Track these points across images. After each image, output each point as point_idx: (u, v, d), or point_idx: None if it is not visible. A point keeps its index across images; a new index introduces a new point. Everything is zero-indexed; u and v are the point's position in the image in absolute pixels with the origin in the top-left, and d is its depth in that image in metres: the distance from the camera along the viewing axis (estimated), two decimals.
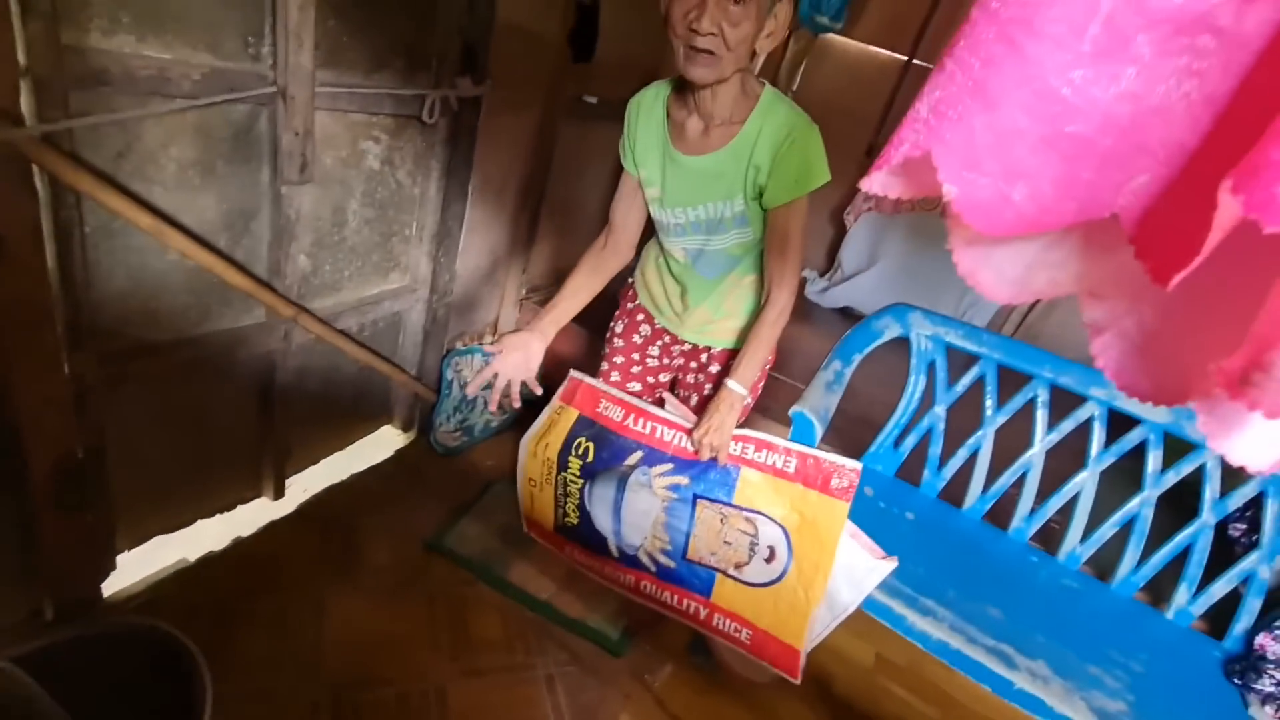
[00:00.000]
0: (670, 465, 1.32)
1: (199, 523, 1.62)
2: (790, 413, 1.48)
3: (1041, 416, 1.62)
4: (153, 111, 1.08)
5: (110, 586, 1.42)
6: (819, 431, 1.45)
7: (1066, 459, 1.62)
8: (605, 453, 1.35)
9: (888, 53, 3.51)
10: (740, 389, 1.21)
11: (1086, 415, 1.58)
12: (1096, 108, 0.29)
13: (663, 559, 1.37)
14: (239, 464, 1.66)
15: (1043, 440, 1.63)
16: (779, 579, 1.28)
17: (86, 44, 1.00)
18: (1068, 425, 1.60)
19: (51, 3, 0.93)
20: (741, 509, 1.28)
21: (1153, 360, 0.34)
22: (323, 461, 1.92)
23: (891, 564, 1.20)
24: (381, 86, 1.47)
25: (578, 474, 1.37)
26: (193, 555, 1.56)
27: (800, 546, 1.25)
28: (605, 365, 1.47)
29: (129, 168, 1.13)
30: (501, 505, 1.90)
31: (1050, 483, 1.63)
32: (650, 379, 1.46)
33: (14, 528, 1.20)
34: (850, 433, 1.98)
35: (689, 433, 1.28)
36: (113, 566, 1.43)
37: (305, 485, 1.85)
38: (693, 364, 1.42)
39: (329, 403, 1.82)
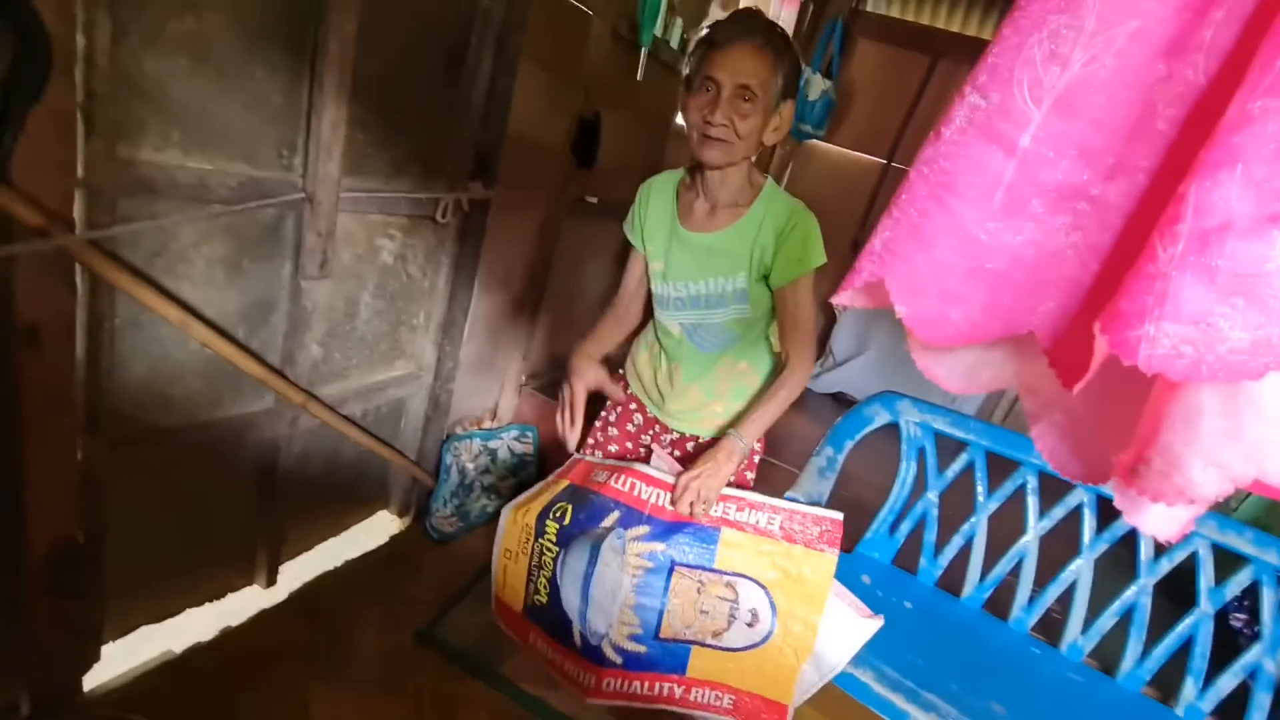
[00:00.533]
0: (646, 528, 1.25)
1: (188, 611, 1.59)
2: (784, 498, 1.51)
3: (1033, 503, 1.65)
4: (192, 217, 1.18)
5: (92, 679, 1.38)
6: None
7: (1062, 542, 1.64)
8: (582, 514, 1.30)
9: (868, 156, 3.79)
10: (742, 440, 1.20)
11: (1076, 502, 1.60)
12: (1008, 250, 0.36)
13: (631, 646, 1.28)
14: (234, 551, 1.66)
15: (1035, 527, 1.65)
16: (763, 641, 1.22)
17: (138, 158, 1.11)
18: (1059, 512, 1.62)
19: (111, 122, 1.04)
20: (722, 573, 1.23)
21: (1080, 446, 0.40)
22: (317, 548, 1.91)
23: (878, 622, 1.18)
24: (400, 191, 1.60)
25: (554, 540, 1.31)
26: (179, 646, 1.52)
27: (785, 605, 1.21)
28: (599, 454, 1.50)
29: (162, 265, 1.21)
30: None
31: (1047, 568, 1.63)
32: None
33: (3, 617, 1.19)
34: (846, 520, 1.99)
35: (671, 488, 1.24)
36: (96, 657, 1.40)
37: (297, 573, 1.83)
38: (677, 454, 1.43)
39: (328, 488, 1.83)
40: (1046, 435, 0.44)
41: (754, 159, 1.22)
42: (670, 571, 1.25)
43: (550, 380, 2.56)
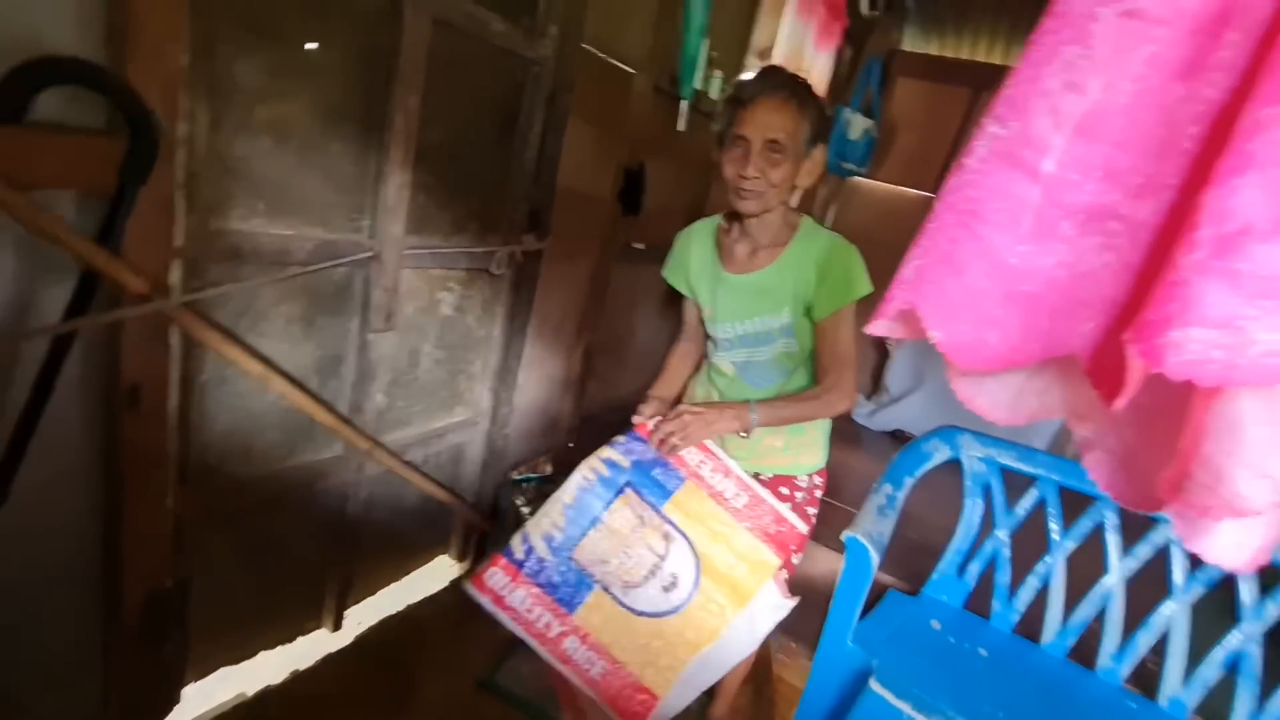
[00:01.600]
0: (624, 438, 1.22)
1: (261, 654, 1.65)
2: (843, 537, 1.47)
3: (1114, 542, 1.55)
4: (273, 278, 1.29)
5: None
6: (875, 558, 1.42)
7: (1151, 584, 1.52)
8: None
9: (914, 190, 3.76)
10: (755, 413, 1.19)
11: (1164, 539, 1.50)
12: (1040, 273, 0.36)
13: (540, 547, 1.18)
14: (304, 595, 1.72)
15: (1119, 568, 1.54)
16: (669, 613, 1.12)
17: (229, 228, 1.22)
18: (1144, 551, 1.51)
19: (206, 198, 1.16)
20: (666, 520, 1.15)
21: (1134, 472, 0.39)
22: (381, 593, 1.96)
23: (792, 602, 1.12)
24: (458, 246, 1.69)
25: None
26: (251, 689, 1.58)
27: (710, 586, 1.13)
28: None
29: (247, 323, 1.32)
30: None
31: (1136, 612, 1.51)
32: None
33: (96, 658, 1.27)
34: (910, 561, 1.91)
35: (663, 419, 1.20)
36: (177, 700, 1.46)
37: (362, 617, 1.87)
38: None
39: (391, 533, 1.89)
40: (1101, 464, 0.43)
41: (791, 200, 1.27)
42: (619, 491, 1.18)
43: (606, 423, 2.59)
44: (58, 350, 0.98)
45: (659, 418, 1.27)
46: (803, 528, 1.21)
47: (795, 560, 1.39)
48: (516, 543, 1.21)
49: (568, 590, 1.17)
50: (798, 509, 1.37)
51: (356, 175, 1.41)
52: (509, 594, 1.19)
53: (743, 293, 1.29)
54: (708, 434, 1.21)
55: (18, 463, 0.98)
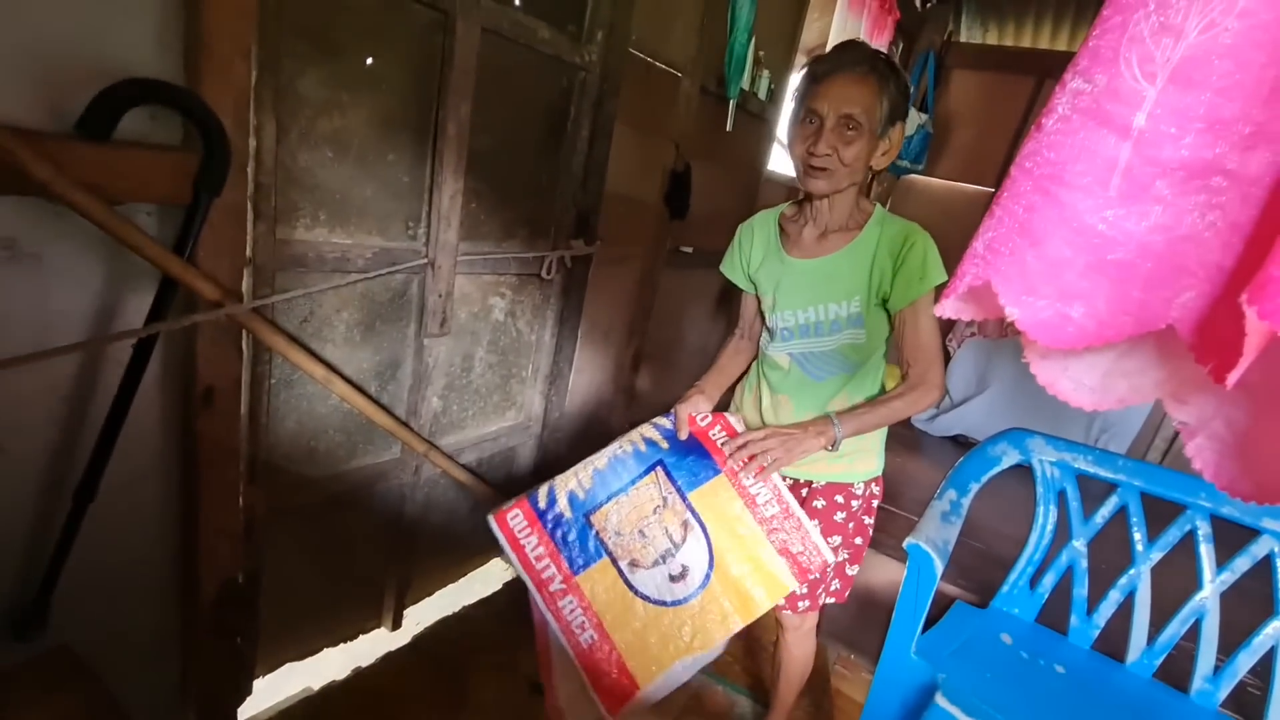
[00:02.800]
0: (668, 420, 1.22)
1: (325, 651, 1.71)
2: (905, 545, 1.41)
3: (1206, 552, 1.43)
4: (335, 285, 1.34)
5: (243, 712, 1.50)
6: (939, 565, 1.36)
7: (1250, 599, 1.40)
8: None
9: (973, 186, 3.62)
10: (838, 428, 1.14)
11: (1265, 551, 1.37)
12: (1132, 238, 0.33)
13: (562, 501, 1.19)
14: (364, 594, 1.77)
15: (1215, 582, 1.42)
16: (671, 604, 1.09)
17: (294, 237, 1.28)
18: (1242, 563, 1.39)
19: (273, 208, 1.22)
20: (690, 508, 1.12)
21: (1249, 460, 0.35)
22: (437, 593, 2.00)
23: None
24: (509, 252, 1.72)
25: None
26: (316, 684, 1.63)
27: (718, 589, 1.08)
28: None
29: (310, 329, 1.37)
30: None
31: (1231, 631, 1.39)
32: None
33: (175, 647, 1.33)
34: (977, 572, 1.82)
35: (724, 424, 1.20)
36: (249, 692, 1.52)
37: (420, 617, 1.91)
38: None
39: (447, 535, 1.93)
40: (1205, 450, 0.39)
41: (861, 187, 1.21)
42: (651, 468, 1.18)
43: None
44: (141, 354, 1.04)
45: (708, 418, 1.26)
46: (830, 556, 1.15)
47: (827, 595, 1.35)
48: (542, 492, 1.23)
49: (578, 550, 1.17)
50: (853, 518, 1.32)
51: (412, 184, 1.45)
52: (524, 537, 1.20)
53: (808, 278, 1.23)
54: (794, 458, 1.15)
55: (105, 461, 1.05)
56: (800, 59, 2.84)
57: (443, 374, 1.69)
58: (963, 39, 3.68)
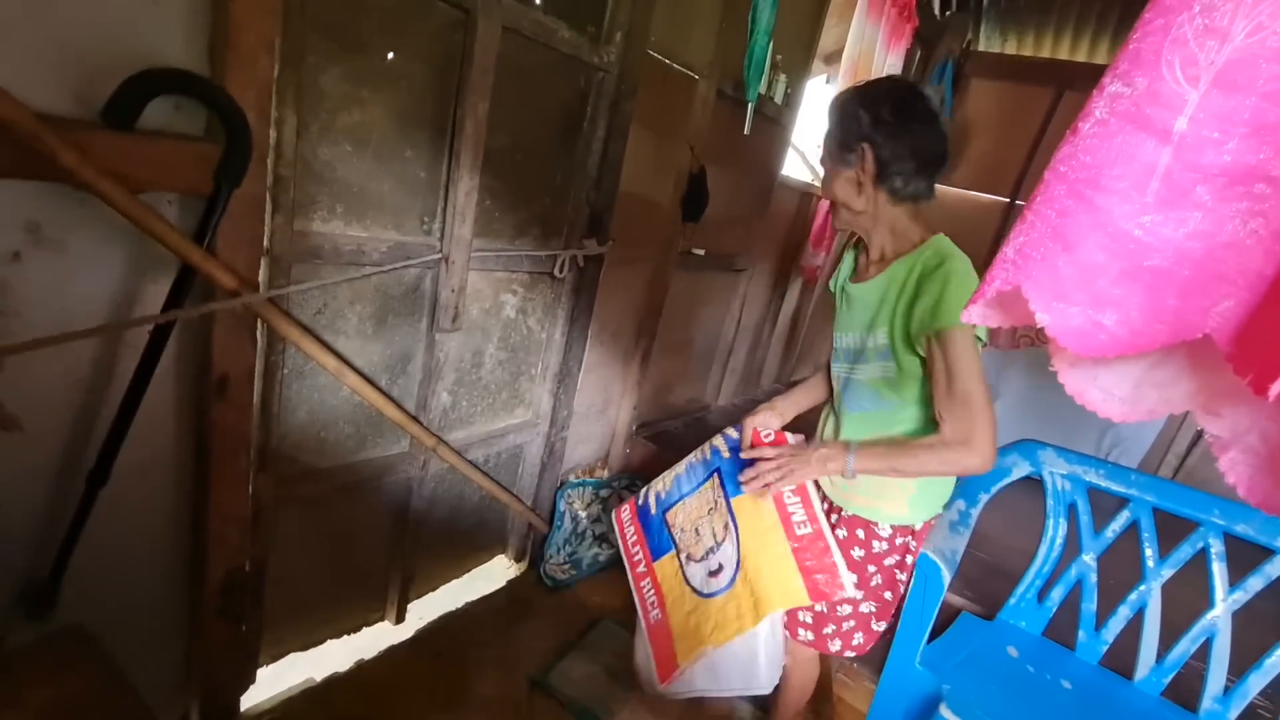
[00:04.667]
0: (735, 432, 1.37)
1: (328, 642, 1.71)
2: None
3: (1219, 570, 1.41)
4: (350, 277, 1.34)
5: (247, 700, 1.51)
6: (946, 576, 1.34)
7: (1261, 619, 1.38)
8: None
9: (989, 196, 3.60)
10: (851, 459, 1.10)
11: (1278, 571, 1.35)
12: (1170, 245, 0.33)
13: (652, 500, 1.44)
14: (369, 587, 1.77)
15: (1227, 601, 1.40)
16: (707, 595, 1.25)
17: (310, 229, 1.28)
18: (1255, 582, 1.37)
19: (291, 200, 1.22)
20: (730, 512, 1.28)
21: None
22: (441, 589, 2.00)
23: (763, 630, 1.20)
24: (522, 250, 1.72)
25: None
26: (319, 675, 1.63)
27: (741, 589, 1.21)
28: None
29: (324, 321, 1.38)
30: (608, 644, 1.86)
31: (1243, 651, 1.37)
32: None
33: (181, 631, 1.34)
34: (984, 583, 1.81)
35: (782, 439, 1.30)
36: (253, 680, 1.53)
37: (423, 611, 1.92)
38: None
39: (452, 530, 1.93)
40: (1239, 465, 0.38)
41: (912, 216, 1.17)
42: (710, 474, 1.36)
43: (661, 430, 2.58)
44: (157, 340, 1.04)
45: (771, 434, 1.32)
46: (851, 589, 1.17)
47: (846, 648, 1.29)
48: (643, 492, 1.48)
49: (657, 541, 1.40)
50: (875, 562, 1.24)
51: (428, 179, 1.45)
52: (627, 528, 1.47)
53: (851, 303, 1.24)
54: (802, 478, 1.18)
55: (119, 445, 1.05)
56: (818, 64, 2.83)
57: (453, 369, 1.69)
58: (982, 48, 3.66)
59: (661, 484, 1.45)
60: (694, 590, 1.28)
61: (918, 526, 1.25)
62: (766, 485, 1.17)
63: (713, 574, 1.27)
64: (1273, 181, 0.30)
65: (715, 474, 1.34)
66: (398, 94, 1.33)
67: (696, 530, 1.32)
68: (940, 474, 1.13)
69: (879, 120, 1.09)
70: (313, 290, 1.32)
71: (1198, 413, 0.39)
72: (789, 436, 1.31)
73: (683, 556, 1.33)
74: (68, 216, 0.94)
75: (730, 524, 1.27)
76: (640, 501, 1.47)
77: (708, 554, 1.29)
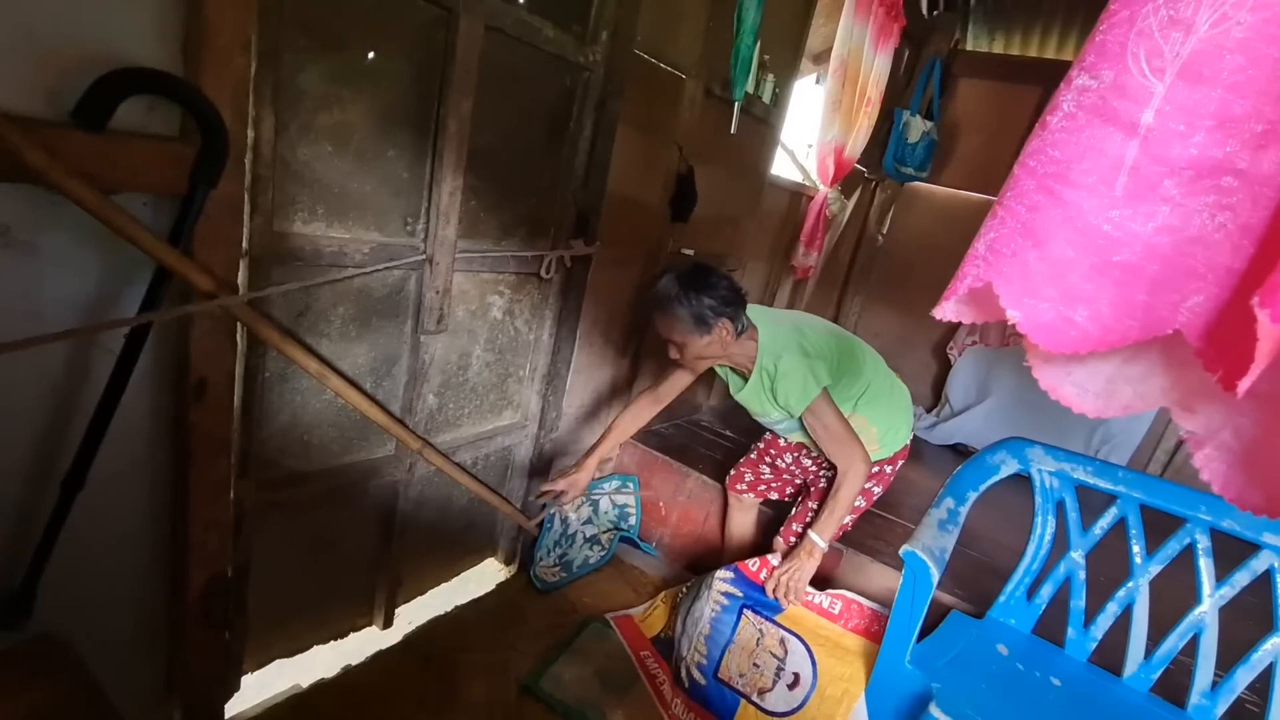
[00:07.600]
0: (732, 574, 1.51)
1: (315, 649, 1.69)
2: (901, 552, 1.39)
3: (1206, 566, 1.41)
4: (332, 279, 1.33)
5: (231, 708, 1.49)
6: (934, 572, 1.34)
7: (1248, 614, 1.38)
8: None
9: (978, 195, 3.61)
10: (820, 540, 1.50)
11: (1265, 566, 1.36)
12: (1138, 239, 0.32)
13: (697, 675, 1.50)
14: (356, 592, 1.76)
15: (1213, 596, 1.41)
16: (799, 707, 1.34)
17: (290, 230, 1.27)
18: (1242, 577, 1.38)
19: (270, 201, 1.21)
20: (780, 626, 1.42)
21: (1259, 471, 0.33)
22: (429, 592, 1.98)
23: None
24: (508, 250, 1.71)
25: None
26: (305, 682, 1.61)
27: (826, 673, 1.34)
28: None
29: (306, 324, 1.36)
30: (597, 647, 1.84)
31: (1230, 646, 1.38)
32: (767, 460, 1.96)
33: (162, 640, 1.32)
34: (975, 581, 1.81)
35: (766, 562, 1.51)
36: (237, 687, 1.51)
37: (411, 616, 1.90)
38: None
39: (440, 534, 1.91)
40: (1214, 461, 0.38)
41: (748, 337, 1.57)
42: (740, 612, 1.47)
43: (650, 432, 2.57)
44: (133, 344, 1.03)
45: (756, 563, 1.62)
46: (879, 606, 1.53)
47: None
48: (682, 673, 1.58)
49: (721, 707, 1.47)
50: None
51: (411, 180, 1.44)
52: (681, 713, 1.55)
53: (749, 403, 1.69)
54: (806, 580, 1.52)
55: (95, 450, 1.03)
56: (806, 64, 2.83)
57: (439, 371, 1.68)
58: (970, 47, 3.67)
59: (698, 656, 1.52)
60: (783, 714, 1.38)
61: (889, 456, 1.71)
62: (791, 592, 1.51)
63: (793, 686, 1.38)
64: (1240, 175, 0.29)
65: (744, 611, 1.49)
66: (379, 93, 1.32)
67: (755, 664, 1.43)
68: (856, 490, 1.53)
69: (718, 298, 1.46)
70: (294, 292, 1.31)
71: (1173, 409, 0.38)
72: (771, 558, 1.58)
73: (754, 697, 1.42)
74: (39, 218, 0.93)
75: (787, 637, 1.43)
76: (685, 685, 1.53)
77: (778, 674, 1.40)
